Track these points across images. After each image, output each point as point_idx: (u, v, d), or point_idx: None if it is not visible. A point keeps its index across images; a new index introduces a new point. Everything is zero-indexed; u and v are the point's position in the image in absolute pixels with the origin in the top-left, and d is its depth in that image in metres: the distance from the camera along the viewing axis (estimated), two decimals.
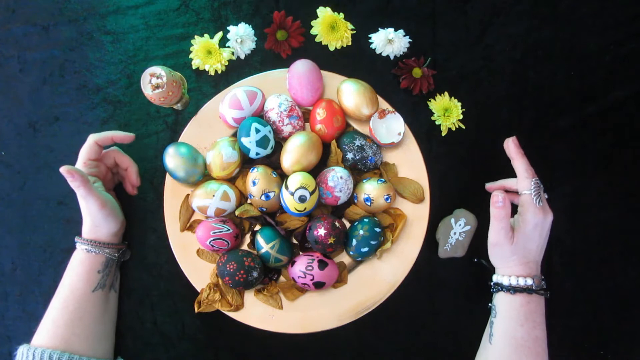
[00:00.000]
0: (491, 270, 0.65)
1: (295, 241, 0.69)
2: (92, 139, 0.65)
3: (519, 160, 0.63)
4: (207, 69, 0.73)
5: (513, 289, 0.60)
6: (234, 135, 0.69)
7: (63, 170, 0.60)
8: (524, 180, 0.62)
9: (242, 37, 0.72)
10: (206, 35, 0.73)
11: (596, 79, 0.74)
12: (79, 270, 0.64)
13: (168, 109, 0.73)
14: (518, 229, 0.61)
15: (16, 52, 0.74)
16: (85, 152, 0.65)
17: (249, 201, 0.68)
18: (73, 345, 0.61)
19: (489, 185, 0.70)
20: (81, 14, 0.75)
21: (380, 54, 0.74)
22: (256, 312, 0.67)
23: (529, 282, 0.60)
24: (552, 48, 0.74)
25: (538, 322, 0.60)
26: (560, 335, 0.67)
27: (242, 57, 0.74)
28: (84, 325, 0.63)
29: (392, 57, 0.74)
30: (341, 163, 0.69)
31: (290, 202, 0.63)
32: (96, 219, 0.64)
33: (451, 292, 0.71)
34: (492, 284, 0.64)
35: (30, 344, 0.61)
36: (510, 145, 0.64)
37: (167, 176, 0.69)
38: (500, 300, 0.62)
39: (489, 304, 0.64)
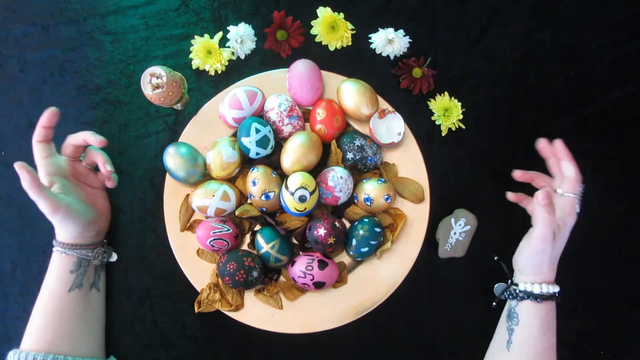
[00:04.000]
0: (508, 274, 0.65)
1: (295, 241, 0.69)
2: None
3: (571, 161, 0.62)
4: (207, 69, 0.73)
5: (540, 297, 0.60)
6: (234, 135, 0.69)
7: (17, 165, 0.58)
8: (573, 182, 0.60)
9: (242, 37, 0.72)
10: (206, 35, 0.73)
11: (596, 79, 0.74)
12: (54, 272, 0.64)
13: (168, 109, 0.73)
14: (558, 232, 0.59)
15: (16, 52, 0.74)
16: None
17: (249, 201, 0.68)
18: (57, 346, 0.61)
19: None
20: (81, 14, 0.75)
21: (380, 54, 0.74)
22: (256, 312, 0.67)
23: (556, 288, 0.60)
24: (552, 48, 0.74)
25: (555, 329, 0.60)
26: (561, 335, 0.66)
27: (242, 57, 0.74)
28: (65, 326, 0.63)
29: (392, 57, 0.74)
30: (341, 163, 0.69)
31: (290, 202, 0.63)
32: (53, 222, 0.64)
33: (451, 292, 0.71)
34: (516, 291, 0.62)
35: (20, 348, 0.62)
36: (561, 147, 0.63)
37: (167, 176, 0.69)
38: (525, 309, 0.61)
39: (493, 303, 0.64)
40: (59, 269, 0.64)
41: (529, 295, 0.60)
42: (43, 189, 0.59)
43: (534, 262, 0.61)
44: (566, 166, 0.62)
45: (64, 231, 0.64)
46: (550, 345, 0.60)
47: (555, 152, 0.63)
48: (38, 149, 0.64)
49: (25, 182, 0.58)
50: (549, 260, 0.61)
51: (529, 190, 0.68)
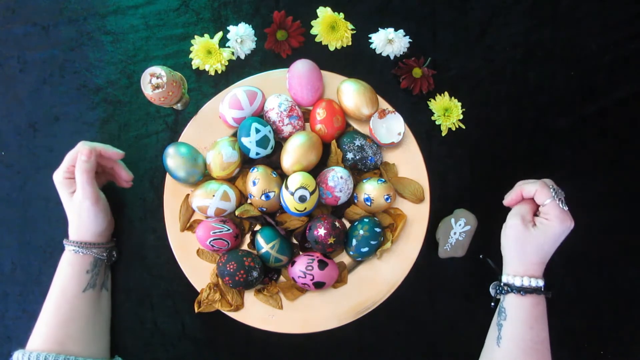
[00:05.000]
0: (496, 270, 0.65)
1: (295, 241, 0.69)
2: (81, 145, 0.64)
3: (528, 185, 0.62)
4: (207, 69, 0.73)
5: (524, 290, 0.60)
6: (234, 135, 0.69)
7: (87, 148, 0.61)
8: (540, 192, 0.60)
9: (242, 37, 0.72)
10: (206, 35, 0.73)
11: (596, 79, 0.74)
12: (68, 272, 0.64)
13: (168, 109, 0.73)
14: (542, 229, 0.60)
15: (16, 52, 0.74)
16: (71, 157, 0.64)
17: (249, 201, 0.68)
18: (68, 347, 0.61)
19: (508, 200, 0.66)
20: (81, 14, 0.75)
21: (380, 54, 0.74)
22: (256, 312, 0.67)
23: (540, 283, 0.60)
24: (552, 48, 0.74)
25: (545, 323, 0.60)
26: (560, 335, 0.67)
27: (242, 57, 0.74)
28: (78, 326, 0.63)
29: (392, 57, 0.74)
30: (341, 163, 0.69)
31: (290, 202, 0.63)
32: (84, 215, 0.64)
33: (451, 292, 0.71)
34: (500, 285, 0.63)
35: (26, 348, 0.61)
36: (513, 193, 0.64)
37: (167, 176, 0.69)
38: (511, 303, 0.61)
39: (491, 303, 0.64)
40: (73, 269, 0.64)
41: (512, 288, 0.61)
42: (93, 177, 0.63)
43: (510, 249, 0.62)
44: (525, 192, 0.63)
45: (93, 225, 0.64)
46: (541, 339, 0.60)
47: (521, 193, 0.64)
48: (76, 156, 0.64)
49: (86, 164, 0.62)
50: (531, 251, 0.60)
51: None
